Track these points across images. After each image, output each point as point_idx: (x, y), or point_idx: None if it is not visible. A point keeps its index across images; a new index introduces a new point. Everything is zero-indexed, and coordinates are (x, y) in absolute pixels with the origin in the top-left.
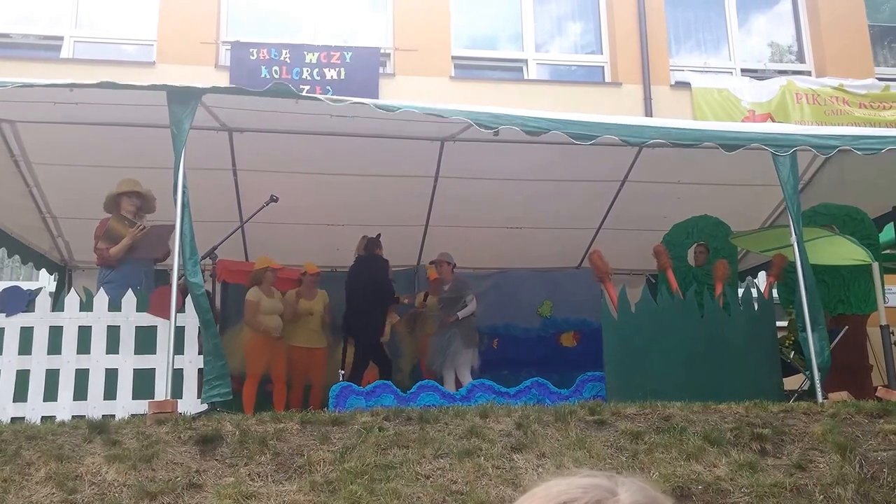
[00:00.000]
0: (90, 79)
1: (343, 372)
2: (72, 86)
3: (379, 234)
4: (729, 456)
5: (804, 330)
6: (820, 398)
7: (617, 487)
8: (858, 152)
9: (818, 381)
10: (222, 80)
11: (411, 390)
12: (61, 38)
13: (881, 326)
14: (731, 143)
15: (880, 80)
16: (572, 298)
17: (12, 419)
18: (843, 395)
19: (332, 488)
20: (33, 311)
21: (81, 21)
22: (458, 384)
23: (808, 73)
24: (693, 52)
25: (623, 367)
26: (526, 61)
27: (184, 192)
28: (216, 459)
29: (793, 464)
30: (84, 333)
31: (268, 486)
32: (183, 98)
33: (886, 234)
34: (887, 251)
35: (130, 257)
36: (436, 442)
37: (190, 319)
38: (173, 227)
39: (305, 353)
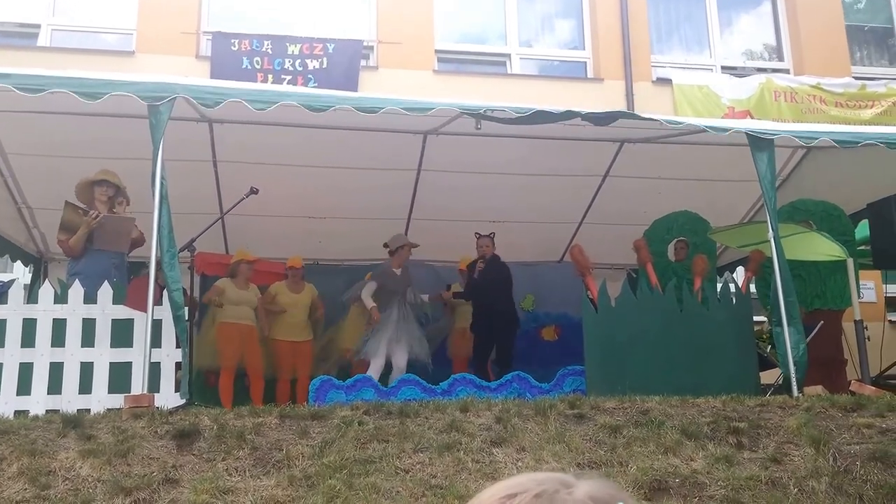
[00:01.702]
0: (68, 68)
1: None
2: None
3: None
4: (706, 449)
5: (778, 325)
6: (795, 392)
7: (576, 481)
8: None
9: (793, 376)
10: (203, 70)
11: (392, 384)
12: (38, 26)
13: (855, 321)
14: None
15: (857, 79)
16: (553, 293)
17: None
18: (817, 389)
19: (310, 483)
20: (6, 303)
21: (59, 8)
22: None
23: (787, 72)
24: (675, 49)
25: (603, 362)
26: (509, 56)
27: (162, 184)
28: (193, 454)
29: (768, 457)
30: (59, 326)
31: (245, 480)
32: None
33: (861, 230)
34: (862, 247)
35: (94, 248)
36: (416, 436)
37: (167, 313)
38: (133, 219)
39: (289, 346)
